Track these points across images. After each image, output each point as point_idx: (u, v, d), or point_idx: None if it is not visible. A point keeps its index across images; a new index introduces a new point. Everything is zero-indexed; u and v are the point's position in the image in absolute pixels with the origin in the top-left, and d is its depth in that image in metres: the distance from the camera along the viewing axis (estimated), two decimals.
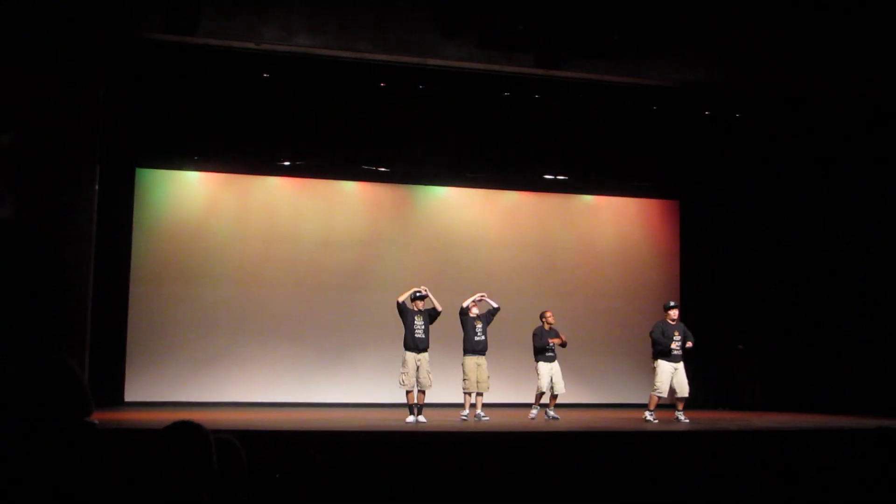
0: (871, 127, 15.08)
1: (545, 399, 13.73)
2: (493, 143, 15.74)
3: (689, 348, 13.33)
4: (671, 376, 13.25)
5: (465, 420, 12.71)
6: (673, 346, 13.27)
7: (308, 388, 16.10)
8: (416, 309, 12.86)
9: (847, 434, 11.08)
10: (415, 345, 12.70)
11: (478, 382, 13.01)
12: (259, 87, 14.40)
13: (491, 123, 15.44)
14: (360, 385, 16.10)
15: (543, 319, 14.03)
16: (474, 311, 13.28)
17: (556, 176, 17.07)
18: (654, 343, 13.40)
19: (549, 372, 13.64)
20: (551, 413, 13.57)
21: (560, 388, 13.65)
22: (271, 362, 16.07)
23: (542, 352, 13.76)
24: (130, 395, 15.24)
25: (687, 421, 13.02)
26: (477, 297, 13.39)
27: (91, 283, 12.31)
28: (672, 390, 13.30)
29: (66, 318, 11.65)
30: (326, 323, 16.38)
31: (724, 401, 17.02)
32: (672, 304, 13.76)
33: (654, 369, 13.41)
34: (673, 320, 13.47)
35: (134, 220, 15.76)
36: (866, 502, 3.37)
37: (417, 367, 12.61)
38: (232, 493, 3.55)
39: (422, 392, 12.64)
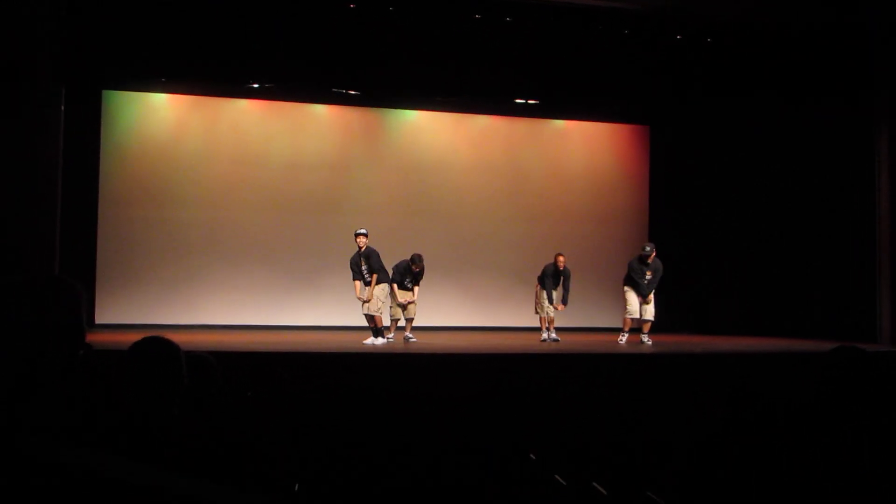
0: (839, 54, 15.08)
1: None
2: (464, 66, 15.66)
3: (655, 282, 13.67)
4: (640, 301, 13.60)
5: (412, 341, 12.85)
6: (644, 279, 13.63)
7: (277, 311, 16.16)
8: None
9: (808, 356, 11.28)
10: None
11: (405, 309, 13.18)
12: (228, 8, 14.20)
13: (462, 47, 15.35)
14: (328, 308, 16.17)
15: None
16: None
17: (526, 100, 17.04)
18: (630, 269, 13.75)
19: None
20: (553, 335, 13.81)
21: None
22: (241, 285, 16.12)
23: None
24: (101, 318, 15.25)
25: (650, 343, 13.29)
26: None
27: (59, 205, 12.22)
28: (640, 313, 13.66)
29: (34, 241, 11.58)
30: (296, 246, 16.40)
31: (690, 325, 17.23)
32: (648, 249, 13.90)
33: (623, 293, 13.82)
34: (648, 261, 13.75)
35: (101, 142, 15.64)
36: (823, 419, 3.46)
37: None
38: (204, 410, 3.60)
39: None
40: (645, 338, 13.53)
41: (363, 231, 12.90)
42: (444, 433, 6.87)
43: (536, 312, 13.98)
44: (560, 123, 18.17)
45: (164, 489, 1.41)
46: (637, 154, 18.41)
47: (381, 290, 12.83)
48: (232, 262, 16.16)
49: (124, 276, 15.63)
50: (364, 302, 12.78)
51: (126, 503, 1.42)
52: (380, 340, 12.58)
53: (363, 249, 12.83)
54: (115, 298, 15.49)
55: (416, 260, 13.00)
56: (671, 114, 17.96)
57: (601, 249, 16.72)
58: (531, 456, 4.74)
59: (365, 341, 12.54)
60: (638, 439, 4.36)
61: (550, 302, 13.75)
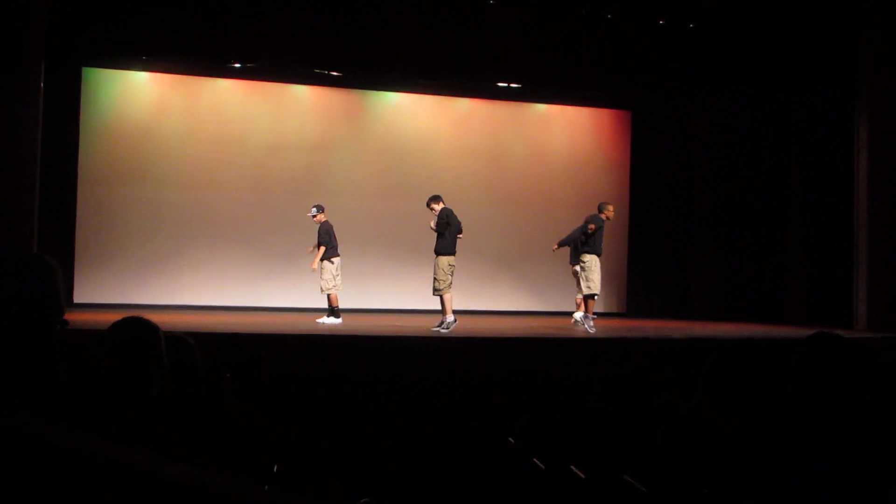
0: (823, 38, 15.12)
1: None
2: (446, 49, 15.59)
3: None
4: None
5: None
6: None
7: (257, 293, 16.12)
8: None
9: (786, 342, 11.35)
10: None
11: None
12: None
13: (444, 29, 15.28)
14: (308, 289, 16.13)
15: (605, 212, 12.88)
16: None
17: (508, 84, 16.99)
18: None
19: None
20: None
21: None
22: (221, 266, 16.07)
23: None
24: (79, 297, 15.17)
25: (578, 324, 12.89)
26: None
27: (37, 183, 12.14)
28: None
29: (12, 219, 11.50)
30: (276, 227, 16.34)
31: (669, 310, 17.28)
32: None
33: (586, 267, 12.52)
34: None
35: (81, 120, 15.54)
36: (802, 403, 3.48)
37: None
38: (183, 390, 3.59)
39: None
40: (579, 315, 12.81)
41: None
42: (421, 418, 6.88)
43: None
44: (542, 107, 18.16)
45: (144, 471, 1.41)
46: (618, 139, 18.43)
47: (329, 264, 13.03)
48: (212, 243, 16.10)
49: (103, 255, 15.55)
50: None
51: (100, 483, 1.41)
52: (331, 320, 12.76)
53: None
54: (93, 277, 15.42)
55: (428, 201, 12.28)
56: (653, 99, 17.97)
57: None
58: (509, 440, 4.75)
59: (317, 320, 12.78)
60: (616, 423, 4.38)
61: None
